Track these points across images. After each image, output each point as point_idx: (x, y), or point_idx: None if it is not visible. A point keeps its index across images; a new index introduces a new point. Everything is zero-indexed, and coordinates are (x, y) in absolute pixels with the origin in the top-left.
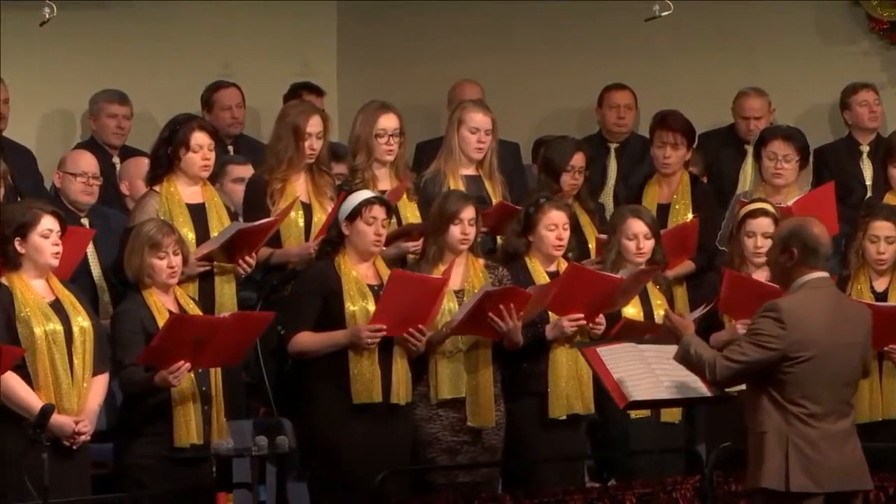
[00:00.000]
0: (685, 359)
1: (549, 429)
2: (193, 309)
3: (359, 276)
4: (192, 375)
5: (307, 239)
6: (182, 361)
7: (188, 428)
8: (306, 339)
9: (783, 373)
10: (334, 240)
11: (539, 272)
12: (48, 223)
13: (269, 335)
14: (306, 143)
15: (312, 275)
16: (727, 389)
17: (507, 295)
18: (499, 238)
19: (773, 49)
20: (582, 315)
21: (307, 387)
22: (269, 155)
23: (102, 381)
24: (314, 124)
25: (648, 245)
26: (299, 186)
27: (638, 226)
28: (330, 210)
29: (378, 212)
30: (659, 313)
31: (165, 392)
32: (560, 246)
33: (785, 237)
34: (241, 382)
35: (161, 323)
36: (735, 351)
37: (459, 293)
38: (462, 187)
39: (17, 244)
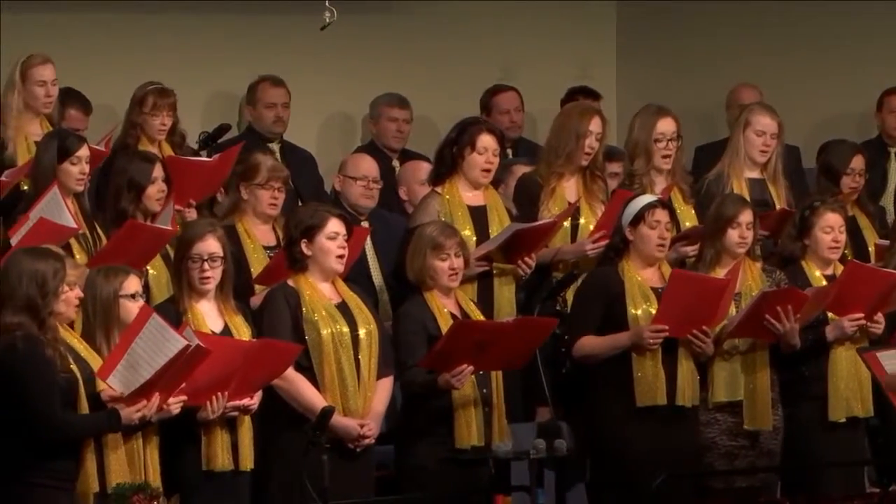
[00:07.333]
0: None
1: (829, 432)
2: (474, 311)
3: (643, 279)
4: (473, 378)
5: (573, 242)
6: (465, 364)
7: (469, 430)
8: (590, 343)
9: None
10: (618, 245)
11: (815, 276)
12: (334, 226)
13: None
14: (586, 142)
15: (595, 279)
16: None
17: (784, 296)
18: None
19: None
20: (862, 315)
21: (589, 390)
22: (547, 151)
23: (387, 384)
24: (595, 124)
25: None
26: (569, 188)
27: None
28: (600, 213)
29: (661, 216)
30: None
31: (447, 394)
32: (836, 248)
33: None
34: (519, 385)
35: (442, 325)
36: None
37: (737, 296)
38: (746, 190)
39: (303, 246)
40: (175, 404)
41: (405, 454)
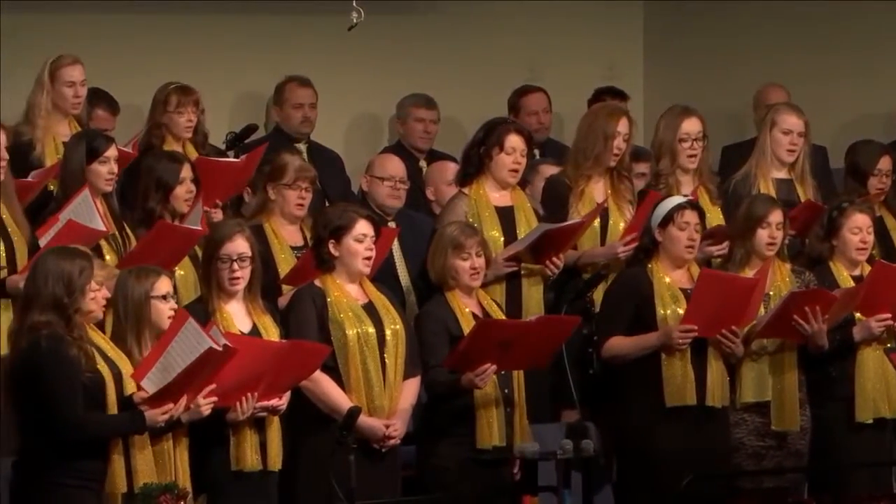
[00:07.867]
0: None
1: (856, 432)
2: (496, 310)
3: (672, 280)
4: (495, 378)
5: (602, 242)
6: (488, 364)
7: (490, 430)
8: (619, 343)
9: None
10: (648, 246)
11: (843, 276)
12: (363, 228)
13: (574, 338)
14: (614, 143)
15: (625, 280)
16: None
17: (812, 297)
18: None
19: None
20: (889, 315)
21: (618, 390)
22: (574, 153)
23: (414, 384)
24: (623, 125)
25: None
26: (598, 190)
27: None
28: (629, 215)
29: (690, 217)
30: None
31: (468, 394)
32: (864, 249)
33: None
34: (547, 386)
35: (464, 325)
36: None
37: (766, 297)
38: (773, 190)
39: (331, 247)
40: (206, 405)
41: (427, 454)
